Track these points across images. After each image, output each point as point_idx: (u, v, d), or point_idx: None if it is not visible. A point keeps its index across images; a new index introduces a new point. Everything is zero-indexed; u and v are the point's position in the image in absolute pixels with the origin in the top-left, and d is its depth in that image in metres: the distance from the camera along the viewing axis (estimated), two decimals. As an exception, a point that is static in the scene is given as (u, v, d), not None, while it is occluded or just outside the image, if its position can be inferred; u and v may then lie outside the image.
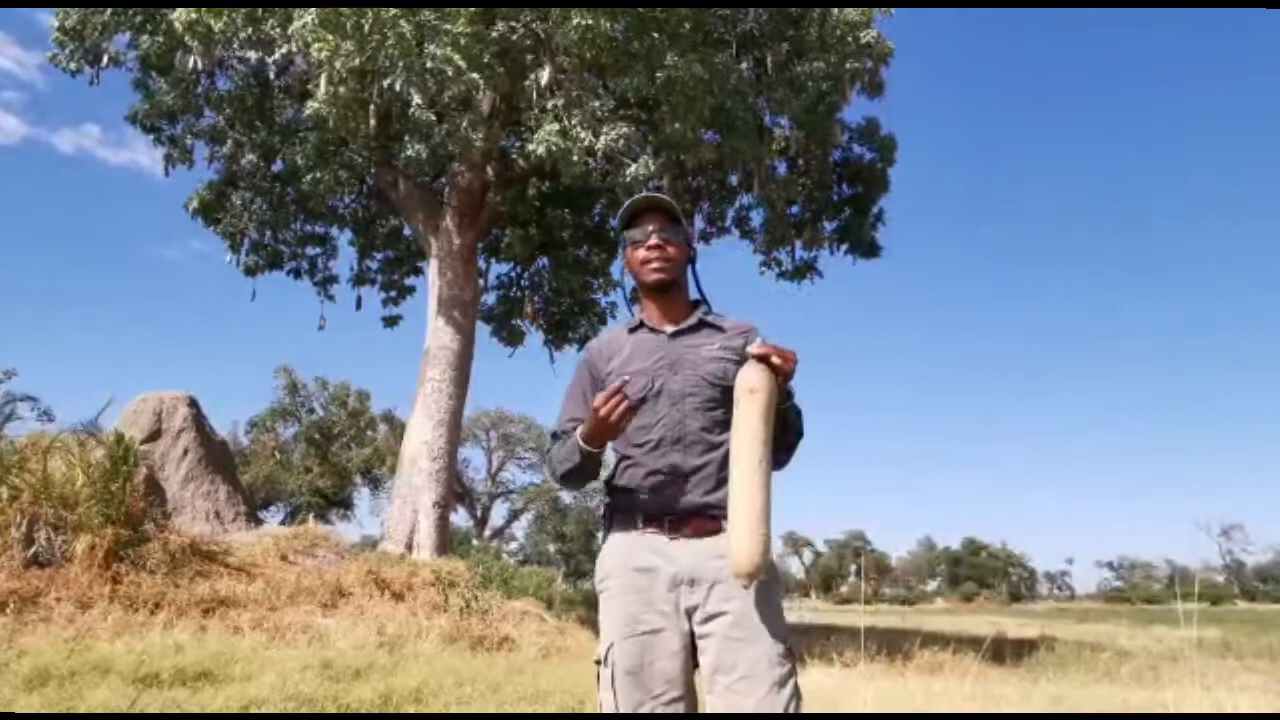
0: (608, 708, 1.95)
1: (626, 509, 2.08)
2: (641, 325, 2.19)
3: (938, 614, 39.55)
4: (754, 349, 1.97)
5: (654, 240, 2.13)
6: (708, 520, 2.01)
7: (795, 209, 14.91)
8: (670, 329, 2.15)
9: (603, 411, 1.91)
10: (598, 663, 2.00)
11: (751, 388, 1.93)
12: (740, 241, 15.77)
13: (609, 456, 2.10)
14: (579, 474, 2.07)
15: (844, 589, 68.95)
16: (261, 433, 29.76)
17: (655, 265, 2.13)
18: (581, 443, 1.99)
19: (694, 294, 2.24)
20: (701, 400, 2.06)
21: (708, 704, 1.93)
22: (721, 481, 2.01)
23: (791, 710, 1.87)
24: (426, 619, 8.00)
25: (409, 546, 11.62)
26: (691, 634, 1.96)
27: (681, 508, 2.02)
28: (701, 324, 2.16)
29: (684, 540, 2.00)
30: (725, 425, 2.04)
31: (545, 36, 10.78)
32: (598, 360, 2.18)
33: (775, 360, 1.94)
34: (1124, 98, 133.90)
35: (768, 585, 1.96)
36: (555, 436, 2.19)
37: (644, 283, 2.17)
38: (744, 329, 2.16)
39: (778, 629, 1.94)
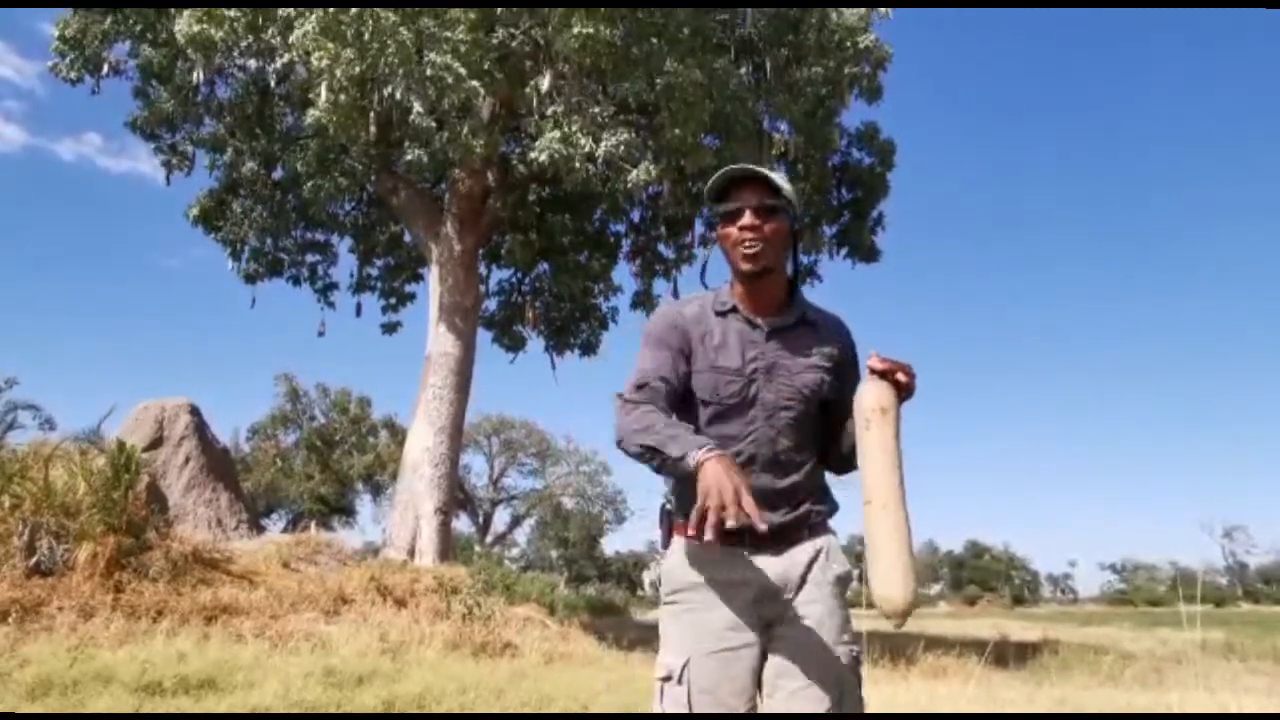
0: None
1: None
2: (735, 310, 1.93)
3: (941, 617, 39.43)
4: (875, 364, 1.78)
5: (748, 219, 1.85)
6: (790, 532, 1.90)
7: (795, 213, 14.93)
8: (766, 325, 1.91)
9: (711, 511, 1.54)
10: (665, 679, 1.84)
11: (883, 407, 1.75)
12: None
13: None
14: (653, 466, 1.77)
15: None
16: (263, 440, 29.80)
17: (749, 250, 1.86)
18: (690, 462, 1.63)
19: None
20: (795, 415, 1.89)
21: (768, 705, 1.85)
22: (804, 498, 1.92)
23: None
24: (429, 625, 7.98)
25: (411, 553, 11.62)
26: (764, 642, 1.88)
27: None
28: (800, 322, 1.94)
29: (767, 556, 1.88)
30: (812, 440, 1.94)
31: (545, 43, 10.81)
32: (691, 329, 1.91)
33: (901, 378, 1.76)
34: (1124, 100, 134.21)
35: (842, 593, 1.91)
36: (640, 388, 1.85)
37: (736, 268, 1.90)
38: (838, 329, 2.00)
39: (848, 636, 1.89)
